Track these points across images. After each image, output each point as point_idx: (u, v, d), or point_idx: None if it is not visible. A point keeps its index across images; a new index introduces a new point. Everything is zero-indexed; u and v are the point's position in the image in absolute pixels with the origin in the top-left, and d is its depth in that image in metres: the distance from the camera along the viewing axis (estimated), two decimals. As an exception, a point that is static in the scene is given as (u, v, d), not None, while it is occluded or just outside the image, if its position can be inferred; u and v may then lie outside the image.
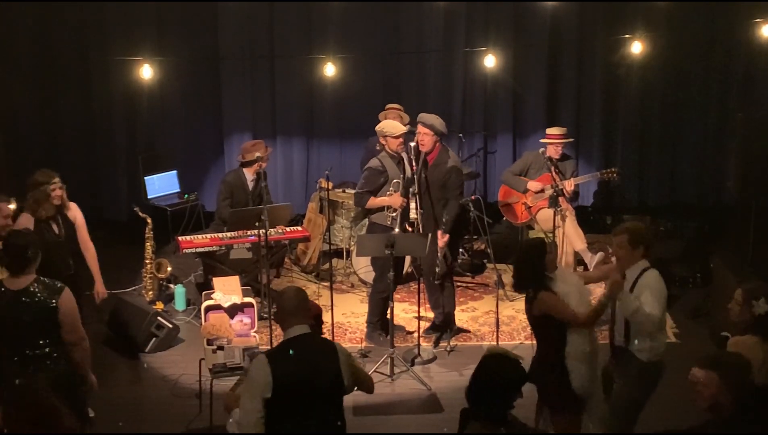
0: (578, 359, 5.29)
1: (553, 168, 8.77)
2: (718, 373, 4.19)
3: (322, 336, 4.99)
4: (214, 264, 8.40)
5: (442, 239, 7.44)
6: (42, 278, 5.25)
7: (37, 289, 5.17)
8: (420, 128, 7.57)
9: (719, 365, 4.26)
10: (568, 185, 8.82)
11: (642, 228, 5.58)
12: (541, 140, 9.19)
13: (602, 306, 5.25)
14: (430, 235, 7.36)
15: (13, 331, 5.11)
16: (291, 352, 4.44)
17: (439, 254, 7.44)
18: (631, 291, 5.34)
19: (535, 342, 6.09)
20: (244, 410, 4.44)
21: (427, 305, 7.92)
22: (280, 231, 8.32)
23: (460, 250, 9.12)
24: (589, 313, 5.25)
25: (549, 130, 9.17)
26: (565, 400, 5.33)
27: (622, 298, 5.27)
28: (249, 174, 8.65)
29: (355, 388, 4.69)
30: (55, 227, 6.79)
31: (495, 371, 4.14)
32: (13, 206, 6.78)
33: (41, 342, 5.15)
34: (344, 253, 9.39)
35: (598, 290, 7.01)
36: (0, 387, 5.00)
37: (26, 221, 6.65)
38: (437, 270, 7.47)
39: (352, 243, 9.03)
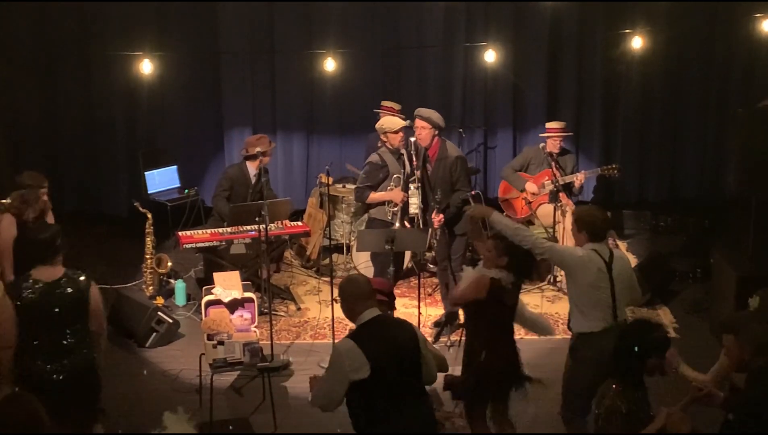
0: None
1: (553, 163, 8.78)
2: (735, 335, 4.51)
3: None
4: (215, 259, 8.40)
5: (437, 218, 7.45)
6: (71, 271, 5.35)
7: (69, 280, 5.29)
8: (417, 122, 7.58)
9: (734, 327, 4.56)
10: (578, 179, 8.83)
11: (586, 214, 5.63)
12: (541, 135, 9.20)
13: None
14: (430, 229, 7.37)
15: (44, 322, 5.21)
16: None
17: (430, 235, 7.44)
18: None
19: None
20: (322, 388, 4.52)
21: (428, 300, 7.92)
22: (280, 226, 8.33)
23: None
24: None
25: (548, 124, 9.18)
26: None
27: (493, 221, 5.53)
28: (252, 168, 8.66)
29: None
30: None
31: (637, 335, 4.39)
32: (6, 200, 6.80)
33: (68, 332, 5.27)
34: (344, 249, 9.39)
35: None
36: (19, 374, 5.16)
37: (9, 223, 6.64)
38: (432, 253, 7.49)
39: (353, 238, 9.03)
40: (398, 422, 4.52)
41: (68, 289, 5.26)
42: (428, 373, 4.71)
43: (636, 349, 4.34)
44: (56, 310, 5.20)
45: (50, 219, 6.98)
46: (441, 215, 7.48)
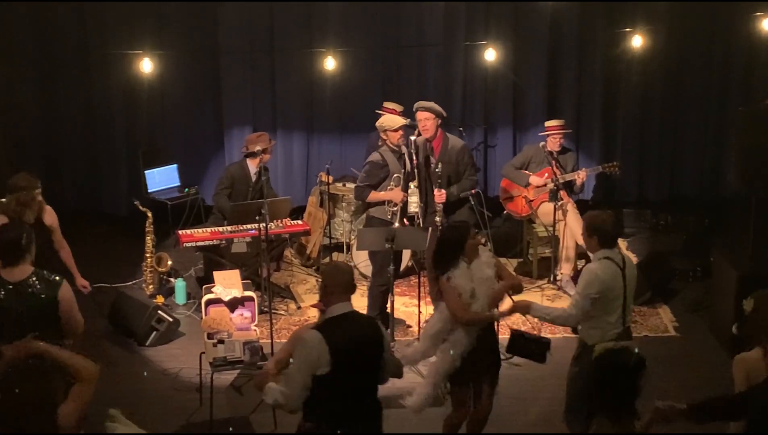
0: (455, 348, 5.51)
1: (554, 162, 8.78)
2: None
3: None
4: (215, 258, 8.40)
5: (438, 194, 7.44)
6: (40, 271, 5.27)
7: (36, 282, 5.19)
8: (420, 114, 7.60)
9: None
10: (580, 177, 8.83)
11: (597, 219, 5.56)
12: (540, 134, 9.19)
13: (487, 318, 5.50)
14: (430, 229, 7.36)
15: (10, 323, 5.12)
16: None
17: (430, 235, 7.41)
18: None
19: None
20: (294, 383, 4.43)
21: (428, 298, 7.91)
22: (280, 225, 8.33)
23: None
24: (472, 316, 5.46)
25: (547, 123, 9.18)
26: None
27: (534, 314, 5.51)
28: (253, 166, 8.67)
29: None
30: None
31: (619, 363, 3.99)
32: (2, 200, 6.80)
33: (36, 334, 5.07)
34: (344, 247, 9.39)
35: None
36: None
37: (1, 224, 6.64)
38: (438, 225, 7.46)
39: (353, 237, 9.03)
40: (349, 420, 4.53)
41: (36, 289, 5.17)
42: (383, 375, 4.73)
43: (623, 377, 3.97)
44: (23, 311, 5.11)
45: (50, 217, 6.97)
46: (443, 191, 7.49)
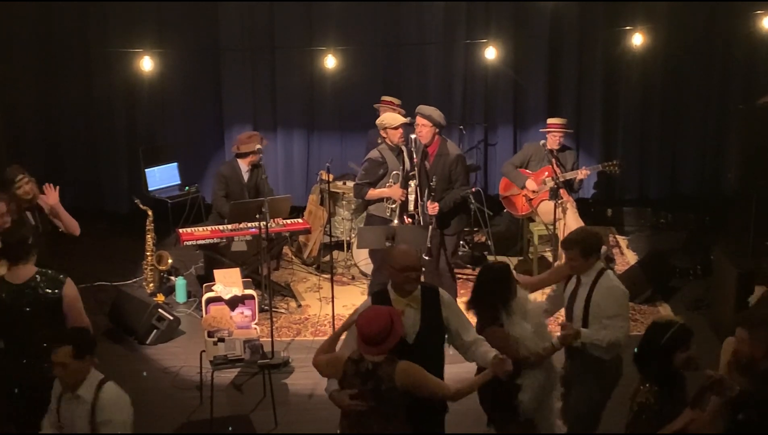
0: (531, 389, 5.10)
1: (554, 160, 8.77)
2: (749, 331, 4.52)
3: None
4: (215, 256, 8.40)
5: (431, 206, 7.41)
6: (44, 270, 5.28)
7: (39, 281, 5.21)
8: (418, 120, 7.58)
9: (750, 324, 4.59)
10: (581, 174, 8.82)
11: (592, 237, 5.44)
12: (541, 130, 9.18)
13: (551, 351, 5.12)
14: (430, 226, 7.36)
15: (15, 325, 5.14)
16: None
17: (429, 229, 7.39)
18: (590, 292, 5.30)
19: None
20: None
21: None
22: (280, 223, 8.33)
23: (461, 242, 9.14)
24: (537, 355, 5.04)
25: (549, 120, 9.17)
26: (511, 421, 5.16)
27: (585, 340, 5.22)
28: (244, 165, 8.66)
29: None
30: (30, 218, 6.78)
31: (656, 337, 4.54)
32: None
33: (41, 333, 5.14)
34: (345, 246, 9.39)
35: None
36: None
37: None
38: (428, 245, 7.32)
39: (353, 235, 9.03)
40: None
41: (40, 289, 5.19)
42: None
43: (658, 349, 4.50)
44: (27, 310, 5.13)
45: (45, 199, 6.90)
46: (436, 204, 7.46)
